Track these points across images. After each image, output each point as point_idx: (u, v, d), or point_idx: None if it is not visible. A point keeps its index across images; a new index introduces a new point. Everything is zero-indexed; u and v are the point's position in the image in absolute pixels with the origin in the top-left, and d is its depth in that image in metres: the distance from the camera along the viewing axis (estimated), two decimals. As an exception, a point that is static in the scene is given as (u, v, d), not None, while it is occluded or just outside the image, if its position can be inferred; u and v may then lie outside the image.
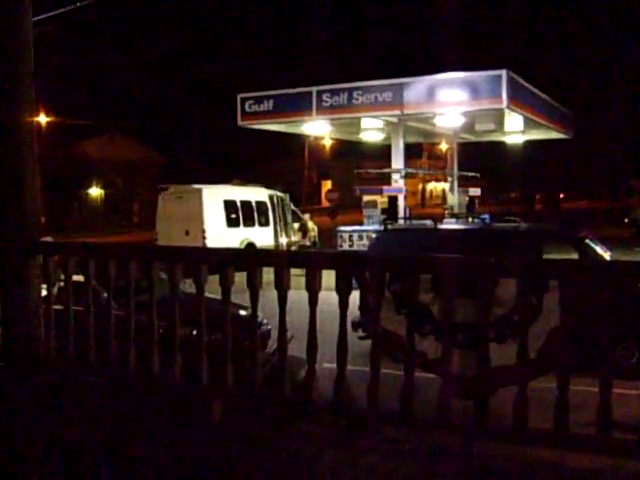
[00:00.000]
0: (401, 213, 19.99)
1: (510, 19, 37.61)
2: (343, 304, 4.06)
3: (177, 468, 3.96)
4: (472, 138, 25.78)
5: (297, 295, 4.32)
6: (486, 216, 19.46)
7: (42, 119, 34.31)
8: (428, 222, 11.00)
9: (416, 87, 18.72)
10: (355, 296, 4.15)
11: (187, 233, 20.25)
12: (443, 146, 33.82)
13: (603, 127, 40.26)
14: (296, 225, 23.42)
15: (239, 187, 25.92)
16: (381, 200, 20.98)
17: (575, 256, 9.08)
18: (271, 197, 22.87)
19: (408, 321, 4.00)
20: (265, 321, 8.26)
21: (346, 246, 19.26)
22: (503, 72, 17.40)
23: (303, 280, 4.15)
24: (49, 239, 5.81)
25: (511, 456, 3.71)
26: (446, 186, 27.16)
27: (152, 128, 55.26)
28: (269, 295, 4.41)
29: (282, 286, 4.21)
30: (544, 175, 47.02)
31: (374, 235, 13.72)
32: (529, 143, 28.01)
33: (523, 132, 23.35)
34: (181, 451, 4.11)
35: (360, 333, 8.30)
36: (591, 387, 3.75)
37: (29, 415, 4.79)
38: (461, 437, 3.82)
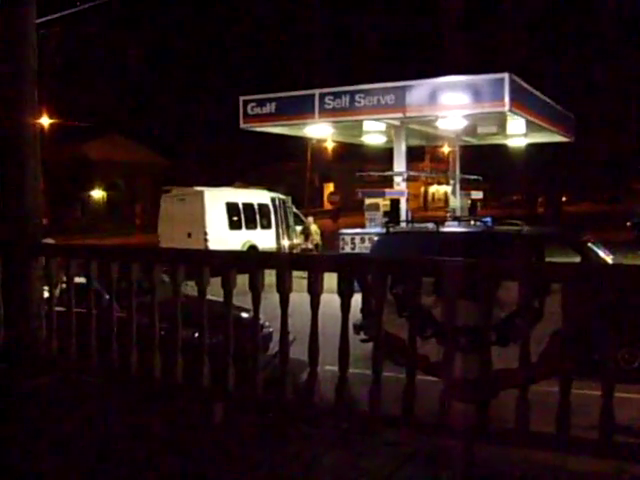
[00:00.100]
0: (403, 216, 20.00)
1: (512, 22, 37.61)
2: (345, 307, 4.06)
3: (178, 470, 3.95)
4: (474, 141, 25.78)
5: (299, 298, 4.32)
6: (488, 219, 19.43)
7: (45, 121, 34.32)
8: (430, 225, 10.99)
9: (418, 90, 18.72)
10: (357, 299, 4.15)
11: (189, 235, 20.28)
12: (445, 149, 33.81)
13: (605, 130, 40.23)
14: (299, 228, 23.43)
15: (241, 189, 25.95)
16: (383, 203, 20.97)
17: (577, 259, 9.07)
18: (273, 200, 22.88)
19: (410, 324, 4.00)
20: (267, 323, 8.27)
21: (348, 249, 19.26)
22: (505, 75, 17.41)
23: (305, 282, 4.15)
24: (50, 241, 5.83)
25: (512, 459, 3.70)
26: (448, 189, 27.15)
27: (154, 130, 55.28)
28: (271, 297, 4.41)
29: (284, 289, 4.21)
30: (546, 178, 46.97)
31: (376, 238, 13.70)
32: (531, 146, 28.00)
33: (525, 135, 23.34)
34: (182, 453, 4.11)
35: (362, 336, 8.29)
36: (593, 391, 3.74)
37: (30, 415, 4.80)
38: (462, 440, 3.81)
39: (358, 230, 20.51)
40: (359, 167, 37.08)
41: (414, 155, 30.51)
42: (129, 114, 53.29)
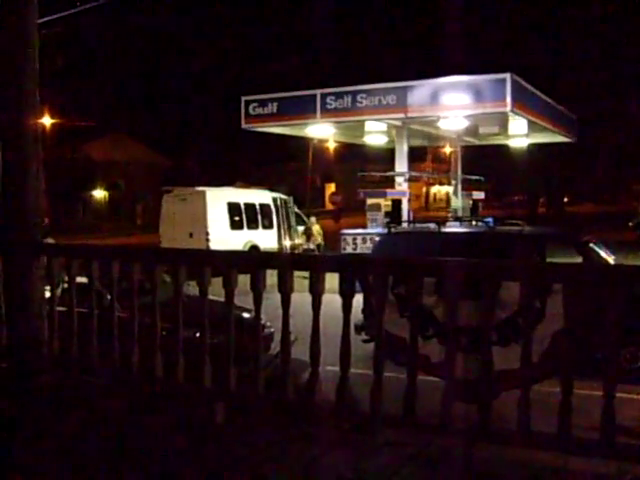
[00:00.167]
0: (405, 216, 20.00)
1: (513, 22, 37.61)
2: (346, 307, 4.06)
3: (179, 470, 3.96)
4: (476, 141, 25.77)
5: (300, 298, 4.32)
6: (490, 219, 19.41)
7: (46, 121, 34.36)
8: (432, 225, 10.98)
9: (420, 90, 18.73)
10: (358, 299, 4.14)
11: (191, 235, 20.28)
12: (447, 149, 33.80)
13: (607, 131, 40.21)
14: (300, 228, 23.42)
15: (243, 190, 25.94)
16: (385, 203, 20.99)
17: (579, 260, 9.06)
18: (275, 200, 22.87)
19: (411, 324, 3.99)
20: (268, 324, 8.26)
21: (350, 249, 19.27)
22: (507, 75, 17.40)
23: (306, 283, 4.14)
24: (50, 241, 5.83)
25: (514, 460, 3.70)
26: (450, 189, 27.12)
27: (156, 130, 55.31)
28: (272, 298, 4.41)
29: (285, 289, 4.21)
30: (548, 178, 46.97)
31: (378, 238, 13.70)
32: (533, 146, 27.99)
33: (527, 135, 23.34)
34: (184, 453, 4.11)
35: (363, 336, 8.29)
36: (595, 391, 3.74)
37: (32, 415, 4.80)
38: (463, 441, 3.81)
39: (360, 230, 20.51)
40: (361, 167, 37.03)
41: (416, 155, 30.48)
42: (131, 114, 53.35)
